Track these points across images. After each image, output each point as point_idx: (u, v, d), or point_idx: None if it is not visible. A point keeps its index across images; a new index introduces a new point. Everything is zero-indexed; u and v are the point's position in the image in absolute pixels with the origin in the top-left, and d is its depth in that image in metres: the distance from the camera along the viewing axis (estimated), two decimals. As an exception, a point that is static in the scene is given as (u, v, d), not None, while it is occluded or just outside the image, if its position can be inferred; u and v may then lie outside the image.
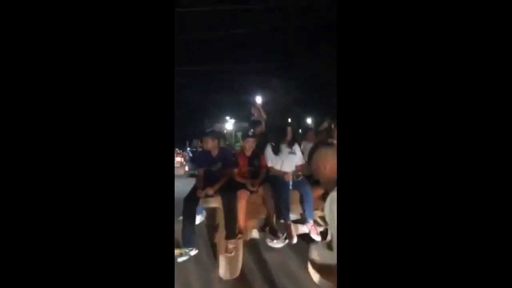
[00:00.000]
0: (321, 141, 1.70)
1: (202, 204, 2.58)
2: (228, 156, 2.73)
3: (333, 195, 0.89)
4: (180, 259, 2.36)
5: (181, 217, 2.43)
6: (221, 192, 2.48)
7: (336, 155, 0.95)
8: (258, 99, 4.46)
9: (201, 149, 3.77)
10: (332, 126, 3.26)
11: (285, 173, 2.74)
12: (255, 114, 3.88)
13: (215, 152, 2.68)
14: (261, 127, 3.48)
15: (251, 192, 2.57)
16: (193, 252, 2.45)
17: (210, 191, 2.46)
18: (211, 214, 2.73)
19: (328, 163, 1.00)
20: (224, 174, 2.63)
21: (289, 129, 2.93)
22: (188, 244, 2.41)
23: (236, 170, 2.74)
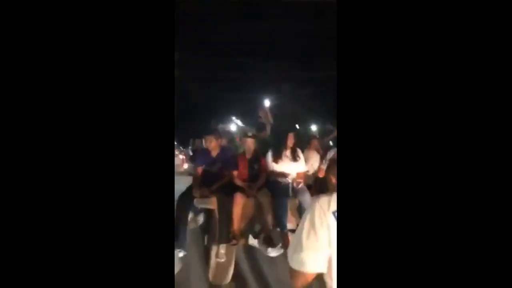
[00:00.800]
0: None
1: (197, 204, 2.50)
2: (228, 157, 2.65)
3: (312, 200, 0.96)
4: None
5: None
6: (217, 193, 2.40)
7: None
8: (267, 102, 4.39)
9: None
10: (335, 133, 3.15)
11: (286, 178, 2.64)
12: (262, 117, 3.81)
13: (215, 152, 2.60)
14: (265, 131, 3.40)
15: (249, 196, 2.48)
16: (181, 254, 2.35)
17: (206, 191, 2.38)
18: (205, 215, 2.65)
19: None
20: (223, 175, 2.54)
21: (290, 135, 2.81)
22: (177, 245, 2.32)
23: (235, 172, 2.65)
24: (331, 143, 3.91)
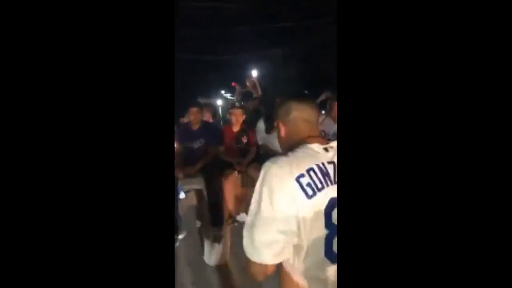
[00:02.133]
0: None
1: (182, 185, 2.30)
2: (211, 131, 2.40)
3: (266, 165, 0.71)
4: None
5: None
6: (204, 172, 2.19)
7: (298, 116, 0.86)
8: (254, 72, 4.09)
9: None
10: (330, 98, 2.90)
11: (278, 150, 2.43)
12: (248, 85, 3.53)
13: (196, 127, 2.35)
14: (253, 102, 3.14)
15: (239, 172, 2.28)
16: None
17: (191, 170, 2.17)
18: (193, 197, 2.46)
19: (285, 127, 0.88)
20: (208, 151, 2.31)
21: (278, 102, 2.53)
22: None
23: (222, 148, 2.42)
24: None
